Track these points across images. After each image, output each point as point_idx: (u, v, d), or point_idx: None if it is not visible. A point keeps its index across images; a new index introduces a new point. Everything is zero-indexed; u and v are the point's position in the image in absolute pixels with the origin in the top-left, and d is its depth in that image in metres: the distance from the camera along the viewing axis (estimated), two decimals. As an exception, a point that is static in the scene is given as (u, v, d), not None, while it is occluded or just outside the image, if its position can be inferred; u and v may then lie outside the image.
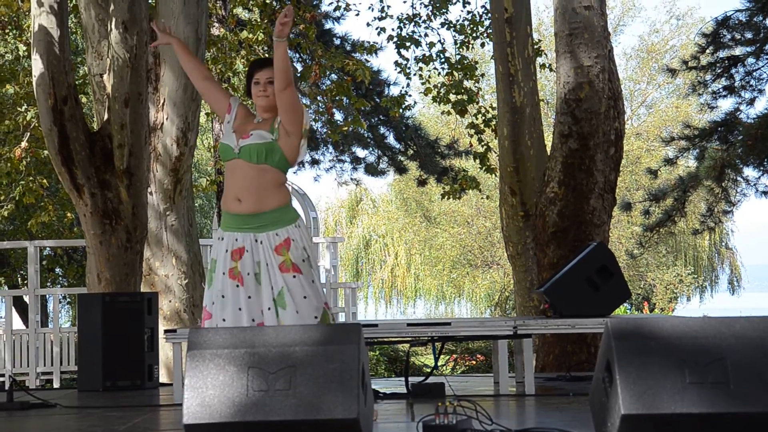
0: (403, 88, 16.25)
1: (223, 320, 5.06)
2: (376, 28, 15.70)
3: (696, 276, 33.94)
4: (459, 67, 15.58)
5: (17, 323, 19.58)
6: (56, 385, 14.07)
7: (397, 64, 15.74)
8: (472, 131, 15.58)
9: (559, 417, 5.86)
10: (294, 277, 5.04)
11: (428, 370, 17.62)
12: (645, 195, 16.04)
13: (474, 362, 19.70)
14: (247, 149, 5.09)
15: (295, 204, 16.22)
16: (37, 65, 9.39)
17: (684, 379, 4.16)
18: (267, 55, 15.26)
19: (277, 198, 5.13)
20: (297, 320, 4.99)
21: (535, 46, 12.38)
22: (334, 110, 16.25)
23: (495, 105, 13.04)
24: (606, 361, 4.34)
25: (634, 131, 33.00)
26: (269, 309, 5.03)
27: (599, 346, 9.13)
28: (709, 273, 35.15)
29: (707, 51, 14.76)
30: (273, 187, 5.11)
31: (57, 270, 21.25)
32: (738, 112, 13.96)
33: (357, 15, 16.84)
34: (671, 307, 32.51)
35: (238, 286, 5.07)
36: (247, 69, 15.26)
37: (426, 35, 15.87)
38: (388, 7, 15.86)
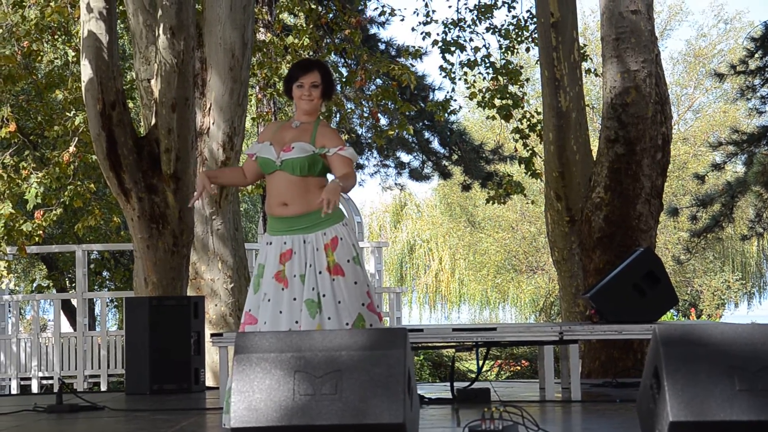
0: (448, 92, 16.27)
1: (264, 323, 5.07)
2: (421, 33, 15.71)
3: (744, 282, 33.63)
4: (504, 71, 15.54)
5: (65, 326, 19.79)
6: (103, 387, 14.20)
7: (442, 68, 15.72)
8: (517, 136, 15.53)
9: (605, 423, 5.82)
10: (333, 280, 5.05)
11: (472, 375, 17.59)
12: (692, 200, 15.94)
13: (518, 368, 19.64)
14: (289, 163, 5.11)
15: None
16: (85, 70, 9.48)
17: (733, 387, 4.12)
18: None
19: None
20: (329, 327, 4.99)
21: (581, 51, 12.32)
22: (379, 115, 16.27)
23: (540, 110, 12.99)
24: (654, 367, 4.31)
25: (681, 136, 32.76)
26: (300, 311, 5.04)
27: (646, 352, 9.06)
28: (758, 279, 34.81)
29: (756, 55, 14.64)
30: (318, 189, 5.13)
31: (104, 273, 21.43)
32: (787, 117, 13.85)
33: (402, 20, 16.88)
34: (718, 314, 32.23)
35: (283, 289, 5.08)
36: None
37: (471, 40, 15.85)
38: (433, 11, 15.85)
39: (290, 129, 5.23)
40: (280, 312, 5.06)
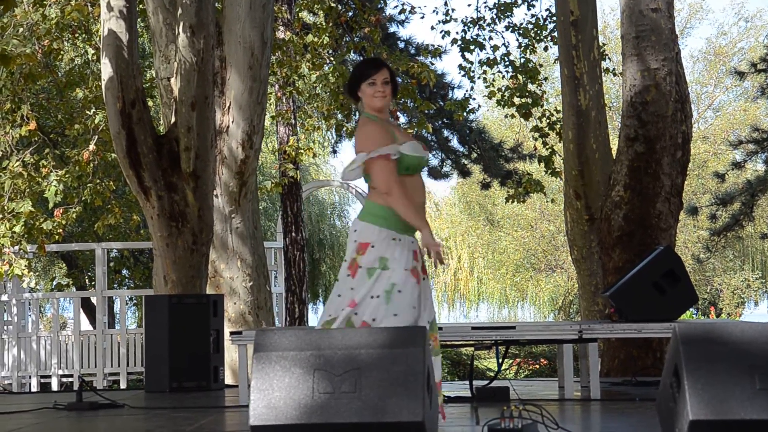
0: (467, 91, 16.26)
1: (395, 315, 4.87)
2: (441, 32, 15.70)
3: (764, 280, 33.49)
4: (523, 70, 15.51)
5: (85, 324, 19.87)
6: (123, 385, 14.24)
7: (461, 67, 15.71)
8: (537, 134, 15.50)
9: (625, 422, 5.81)
10: (424, 279, 5.13)
11: (491, 374, 17.57)
12: (712, 199, 15.88)
13: (537, 366, 19.61)
14: (426, 161, 5.26)
15: (358, 207, 16.24)
16: (106, 69, 9.51)
17: (754, 385, 4.10)
18: (331, 59, 15.32)
19: None
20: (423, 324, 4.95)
21: (600, 49, 12.29)
22: (399, 113, 16.26)
23: (559, 108, 12.96)
24: (674, 366, 4.29)
25: (701, 134, 32.64)
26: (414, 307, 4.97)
27: (665, 351, 9.03)
28: (777, 278, 34.66)
29: (776, 53, 14.56)
30: None
31: (124, 272, 21.49)
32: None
33: (422, 18, 16.86)
34: (738, 312, 32.11)
35: (416, 284, 5.03)
36: (311, 72, 15.36)
37: (490, 38, 15.83)
38: (453, 10, 15.83)
39: (395, 127, 5.25)
40: (414, 307, 4.93)
